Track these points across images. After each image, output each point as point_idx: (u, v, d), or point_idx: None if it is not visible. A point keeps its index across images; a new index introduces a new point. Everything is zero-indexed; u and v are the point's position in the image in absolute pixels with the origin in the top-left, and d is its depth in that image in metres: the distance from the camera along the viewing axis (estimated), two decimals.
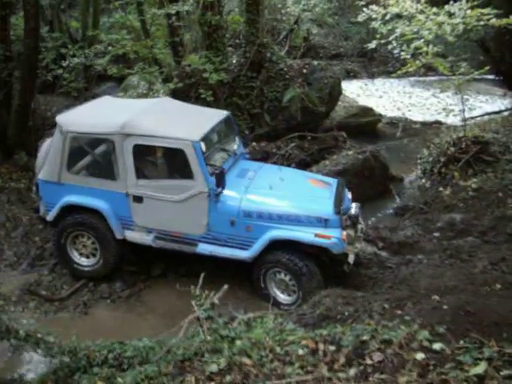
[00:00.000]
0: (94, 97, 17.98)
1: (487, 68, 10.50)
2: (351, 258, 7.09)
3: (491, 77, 16.34)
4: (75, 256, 7.85)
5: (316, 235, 6.77)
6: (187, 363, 4.45)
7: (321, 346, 4.17)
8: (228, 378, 4.01)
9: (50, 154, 7.70)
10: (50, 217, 7.79)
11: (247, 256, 7.08)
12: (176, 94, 12.34)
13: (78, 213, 7.61)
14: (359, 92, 19.03)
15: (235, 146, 8.16)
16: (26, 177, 10.81)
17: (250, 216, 7.04)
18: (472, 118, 13.25)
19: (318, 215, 6.87)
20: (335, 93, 13.32)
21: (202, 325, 4.77)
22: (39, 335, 5.05)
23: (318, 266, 6.94)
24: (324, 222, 6.82)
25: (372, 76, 22.32)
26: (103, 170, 7.60)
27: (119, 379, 4.44)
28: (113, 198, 7.44)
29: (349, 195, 7.70)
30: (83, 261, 7.86)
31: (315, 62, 13.92)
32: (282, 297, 7.14)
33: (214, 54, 12.20)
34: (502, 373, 3.31)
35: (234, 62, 13.31)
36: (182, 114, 8.27)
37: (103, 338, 5.45)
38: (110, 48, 13.07)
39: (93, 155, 7.73)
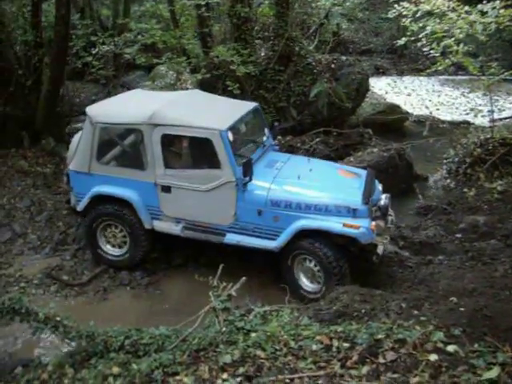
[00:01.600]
0: (123, 85, 18.25)
1: None
2: (380, 249, 7.07)
3: None
4: (104, 245, 7.95)
5: (344, 225, 6.73)
6: (202, 353, 4.50)
7: (335, 343, 4.19)
8: (241, 369, 4.04)
9: (80, 144, 7.80)
10: (80, 207, 7.89)
11: (274, 246, 7.06)
12: (203, 85, 12.41)
13: (109, 203, 7.69)
14: (387, 89, 18.87)
15: (264, 137, 8.17)
16: (53, 162, 10.93)
17: (278, 206, 7.02)
18: (501, 119, 13.07)
19: (347, 205, 6.84)
20: (363, 89, 13.24)
21: (218, 316, 4.81)
22: (58, 318, 5.12)
23: (346, 257, 6.92)
24: (353, 212, 6.79)
25: (401, 73, 22.11)
26: (132, 160, 7.71)
27: (134, 365, 4.48)
28: (141, 188, 7.50)
29: (379, 187, 7.65)
30: (112, 250, 7.95)
31: (343, 58, 13.84)
32: (308, 285, 7.10)
33: (242, 46, 12.21)
34: None
35: (262, 54, 13.32)
36: (211, 105, 8.32)
37: (121, 324, 5.52)
38: (139, 37, 13.14)
39: (122, 145, 7.82)
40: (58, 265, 8.08)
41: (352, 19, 25.28)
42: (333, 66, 13.04)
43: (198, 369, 4.25)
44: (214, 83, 12.16)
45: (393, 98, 16.83)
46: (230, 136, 7.03)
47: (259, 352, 4.22)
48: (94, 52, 12.64)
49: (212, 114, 7.76)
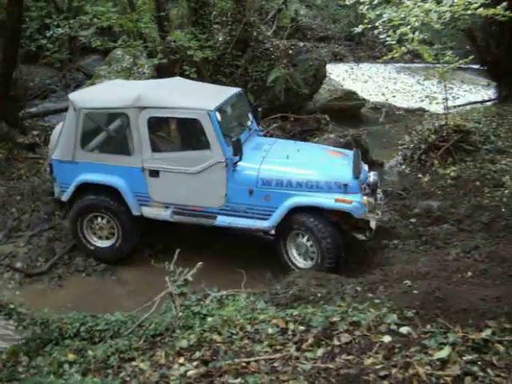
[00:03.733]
0: (78, 69, 17.97)
1: (472, 57, 10.53)
2: (373, 225, 7.10)
3: (476, 66, 16.41)
4: (91, 238, 7.76)
5: (336, 200, 6.78)
6: (158, 338, 4.51)
7: (291, 326, 4.23)
8: (197, 353, 4.06)
9: (63, 132, 7.59)
10: (65, 197, 7.67)
11: (267, 225, 7.06)
12: (160, 70, 12.28)
13: (94, 193, 7.53)
14: (345, 76, 19.05)
15: (248, 121, 8.16)
16: (6, 147, 10.70)
17: (269, 184, 7.01)
18: (455, 106, 13.34)
19: (338, 180, 6.89)
20: (320, 75, 13.32)
21: (175, 301, 4.81)
22: (12, 306, 5.05)
23: (340, 234, 6.97)
24: (344, 188, 6.85)
25: (358, 60, 22.32)
26: (118, 145, 7.52)
27: (90, 352, 4.47)
28: (128, 174, 7.35)
29: (365, 167, 7.72)
30: (100, 243, 7.76)
31: (301, 44, 13.89)
32: (301, 261, 7.11)
33: (199, 30, 12.13)
34: (464, 358, 3.37)
35: (220, 39, 13.22)
36: (195, 89, 8.28)
37: (76, 310, 5.47)
38: (95, 20, 12.90)
39: (107, 131, 7.59)
40: (11, 252, 7.93)
41: (310, 5, 25.37)
42: (290, 51, 13.08)
43: (154, 354, 4.26)
44: (172, 68, 12.04)
45: (350, 85, 16.98)
46: (218, 116, 6.98)
47: (215, 336, 4.24)
48: (48, 35, 12.38)
49: (198, 96, 7.71)
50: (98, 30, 13.21)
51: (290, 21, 20.76)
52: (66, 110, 12.32)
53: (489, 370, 3.24)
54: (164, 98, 7.34)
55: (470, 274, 5.41)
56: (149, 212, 7.48)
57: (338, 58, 22.23)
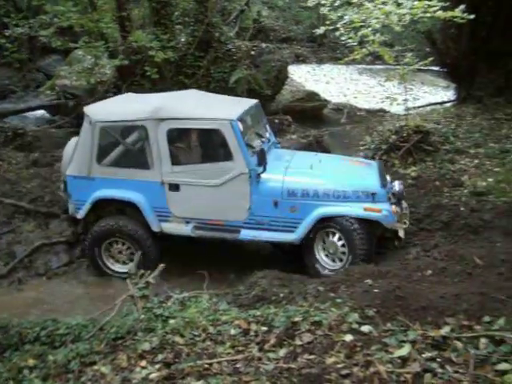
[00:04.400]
0: (39, 69, 17.70)
1: (431, 59, 10.71)
2: (401, 233, 7.02)
3: (436, 68, 16.69)
4: (111, 264, 7.45)
5: (365, 209, 6.71)
6: (120, 341, 4.46)
7: (253, 327, 4.23)
8: (160, 356, 4.02)
9: (78, 147, 7.32)
10: (81, 214, 7.39)
11: (294, 238, 6.87)
12: (122, 71, 12.19)
13: (110, 217, 7.29)
14: (307, 77, 19.18)
15: (267, 133, 8.02)
16: None
17: (295, 195, 6.83)
18: (415, 107, 13.53)
19: (366, 190, 6.81)
20: (282, 76, 13.41)
21: (137, 303, 4.77)
22: None
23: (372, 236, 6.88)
24: (372, 197, 6.78)
25: (320, 61, 22.51)
26: (136, 159, 7.23)
27: (51, 357, 4.39)
28: (147, 189, 7.09)
29: (387, 176, 7.62)
30: (120, 267, 7.43)
31: (264, 45, 14.00)
32: (328, 262, 6.96)
33: (161, 31, 12.10)
34: (424, 355, 3.42)
35: (182, 40, 13.21)
36: (212, 100, 8.13)
37: (37, 315, 5.39)
38: (55, 19, 12.73)
39: (124, 145, 7.29)
40: None
41: (273, 7, 25.46)
42: (253, 52, 13.14)
43: (116, 357, 4.21)
44: (133, 69, 11.97)
45: (312, 86, 17.09)
46: (241, 126, 6.81)
47: (178, 338, 4.21)
48: (7, 34, 12.18)
49: (217, 106, 7.54)
50: (59, 29, 13.03)
51: (252, 22, 20.81)
52: (25, 110, 12.19)
53: (448, 367, 3.29)
54: (183, 108, 7.18)
55: (429, 272, 5.49)
56: (169, 228, 7.23)
57: (300, 60, 22.37)
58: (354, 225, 6.70)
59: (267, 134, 8.01)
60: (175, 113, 7.03)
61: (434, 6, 9.37)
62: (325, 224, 6.85)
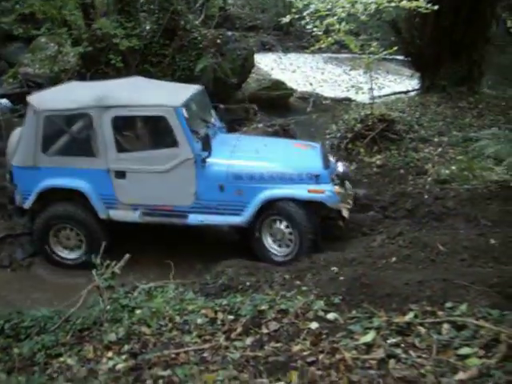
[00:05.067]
0: (0, 57, 17.33)
1: (395, 48, 10.78)
2: (346, 213, 7.12)
3: (401, 57, 16.81)
4: (59, 250, 7.39)
5: (309, 191, 6.81)
6: (86, 333, 4.44)
7: (220, 316, 4.26)
8: (126, 347, 4.02)
9: (22, 137, 7.22)
10: (27, 204, 7.27)
11: (241, 220, 6.96)
12: (85, 58, 12.03)
13: (57, 203, 7.22)
14: (273, 65, 19.16)
15: (212, 118, 8.04)
16: None
17: (241, 179, 6.92)
18: (380, 96, 13.63)
19: (309, 172, 6.91)
20: (248, 65, 13.39)
21: (102, 294, 4.73)
22: None
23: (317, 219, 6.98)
24: (315, 178, 6.88)
25: (287, 50, 22.50)
26: (81, 147, 7.16)
27: (16, 349, 4.35)
28: (93, 177, 7.05)
29: (331, 158, 7.76)
30: (69, 254, 7.41)
31: (229, 33, 13.92)
32: (277, 249, 7.04)
33: (126, 18, 11.96)
34: (388, 341, 3.47)
35: (147, 28, 13.07)
36: (157, 87, 8.10)
37: (1, 307, 5.32)
38: (17, 6, 12.48)
39: (69, 133, 7.22)
40: None
41: None
42: (218, 41, 13.07)
43: (82, 349, 4.19)
44: (97, 57, 11.81)
45: (278, 75, 17.11)
46: (185, 112, 6.83)
47: (144, 328, 4.21)
48: None
49: (162, 93, 7.54)
50: (21, 16, 12.77)
51: (218, 10, 20.64)
52: None
53: (411, 352, 3.34)
54: (128, 96, 7.14)
55: (394, 259, 5.57)
56: (116, 215, 7.22)
57: (266, 48, 22.35)
58: (298, 210, 6.83)
59: (212, 119, 8.07)
60: (120, 100, 7.02)
61: None
62: (269, 212, 6.96)
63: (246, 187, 6.93)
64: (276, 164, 7.10)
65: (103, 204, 7.18)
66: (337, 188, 7.03)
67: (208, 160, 6.92)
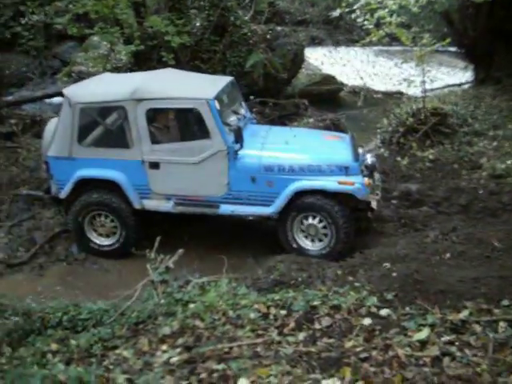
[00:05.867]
0: (55, 56, 17.75)
1: (448, 40, 10.61)
2: (374, 204, 7.16)
3: (454, 49, 16.50)
4: (94, 237, 7.62)
5: (339, 182, 6.84)
6: (141, 326, 4.52)
7: (272, 311, 4.27)
8: (180, 340, 4.07)
9: (58, 128, 7.43)
10: (63, 194, 7.53)
11: (271, 212, 7.06)
12: (138, 56, 12.21)
13: (93, 190, 7.43)
14: (323, 60, 19.00)
15: (242, 110, 8.14)
16: None
17: (271, 170, 7.00)
18: (432, 89, 13.40)
19: (339, 163, 6.94)
20: (298, 60, 13.36)
21: (157, 288, 4.83)
22: None
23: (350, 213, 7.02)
24: (345, 170, 6.90)
25: (337, 44, 22.26)
26: (116, 139, 7.36)
27: (73, 341, 4.46)
28: (128, 167, 7.25)
29: (361, 149, 7.74)
30: (103, 240, 7.62)
31: (279, 28, 13.93)
32: (310, 244, 7.09)
33: (176, 16, 12.05)
34: (442, 338, 3.44)
35: (198, 25, 13.16)
36: (189, 79, 8.20)
37: (58, 300, 5.46)
38: (70, 6, 12.75)
39: (104, 125, 7.44)
40: None
41: None
42: (268, 36, 13.09)
43: (137, 342, 4.27)
44: (149, 54, 11.98)
45: (328, 69, 16.99)
46: (217, 105, 6.94)
47: (198, 322, 4.26)
48: (23, 22, 12.23)
49: (194, 85, 7.65)
50: (74, 16, 13.04)
51: (267, 5, 20.61)
52: (43, 97, 12.20)
53: (466, 350, 3.30)
54: (161, 89, 7.27)
55: (448, 255, 5.49)
56: (150, 204, 7.39)
57: (316, 42, 22.24)
58: (332, 203, 6.85)
59: (243, 111, 8.14)
60: (153, 93, 7.15)
61: None
62: (301, 208, 6.98)
63: (277, 178, 7.00)
64: (306, 155, 7.13)
65: (137, 194, 7.35)
66: (366, 180, 6.99)
67: (240, 152, 7.00)
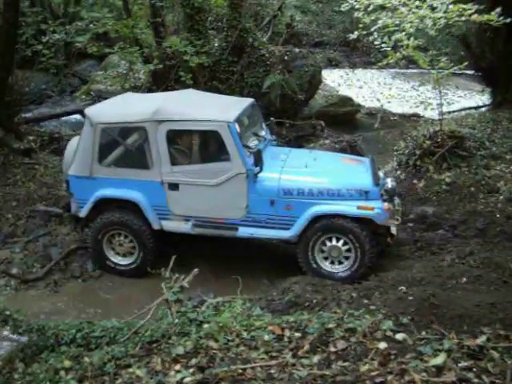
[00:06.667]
0: (74, 74, 17.97)
1: (466, 63, 10.55)
2: (394, 230, 7.14)
3: (471, 72, 16.46)
4: (112, 256, 7.65)
5: (359, 207, 6.81)
6: (154, 345, 4.50)
7: (287, 333, 4.24)
8: (194, 360, 4.04)
9: (79, 148, 7.50)
10: (83, 213, 7.58)
11: (290, 235, 7.04)
12: (156, 76, 12.33)
13: (112, 210, 7.47)
14: (340, 81, 19.08)
15: (263, 131, 8.15)
16: (1, 153, 10.65)
17: (290, 194, 6.99)
18: (449, 112, 13.38)
19: (359, 188, 6.92)
20: (315, 81, 13.40)
21: (171, 307, 4.81)
22: (8, 312, 5.05)
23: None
24: (365, 195, 6.88)
25: (354, 66, 22.37)
26: (136, 159, 7.43)
27: (86, 359, 4.45)
28: (147, 188, 7.29)
29: (380, 172, 7.73)
30: (121, 260, 7.66)
31: (297, 50, 14.00)
32: (331, 266, 7.04)
33: (195, 36, 12.20)
34: (460, 364, 3.38)
35: (216, 45, 13.30)
36: (210, 101, 8.23)
37: (73, 317, 5.47)
38: (91, 26, 12.94)
39: (124, 145, 7.50)
40: (7, 258, 7.90)
41: (305, 11, 25.44)
42: (286, 57, 13.15)
43: (150, 361, 4.24)
44: (167, 74, 12.10)
45: (345, 91, 17.02)
46: (238, 127, 6.97)
47: (212, 343, 4.23)
48: (44, 40, 12.40)
49: (215, 107, 7.65)
50: (94, 35, 13.23)
51: (285, 27, 20.79)
52: (61, 115, 12.31)
53: (484, 377, 3.25)
54: (182, 110, 7.31)
55: (464, 279, 5.45)
56: (169, 225, 7.41)
57: (333, 64, 22.30)
58: (358, 227, 6.81)
59: (263, 133, 8.13)
60: (174, 114, 7.19)
61: (469, 10, 9.25)
62: (325, 230, 6.94)
63: (296, 202, 6.99)
64: (325, 179, 7.12)
65: (156, 215, 7.37)
66: (386, 205, 6.95)
67: (259, 175, 7.00)
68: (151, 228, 7.40)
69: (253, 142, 7.53)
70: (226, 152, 6.98)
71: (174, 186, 7.22)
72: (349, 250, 6.93)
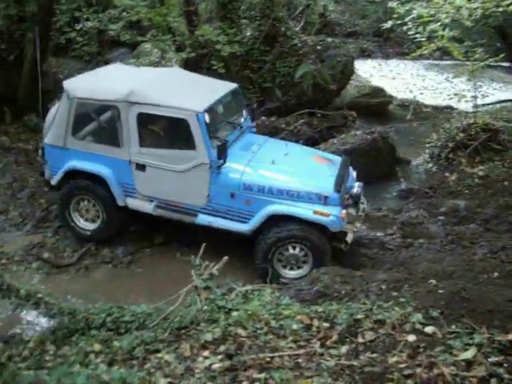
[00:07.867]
0: (107, 62, 18.04)
1: (502, 55, 10.42)
2: (349, 237, 7.09)
3: (507, 64, 16.20)
4: (78, 220, 7.96)
5: (315, 212, 6.76)
6: (183, 331, 4.54)
7: (315, 322, 4.25)
8: (222, 347, 4.08)
9: (56, 118, 7.76)
10: (54, 181, 7.89)
11: (246, 229, 7.10)
12: (188, 64, 12.33)
13: (83, 178, 7.69)
14: (372, 72, 18.88)
15: (241, 119, 8.15)
16: (35, 138, 10.81)
17: (251, 190, 7.04)
18: (484, 105, 13.17)
19: (318, 192, 6.86)
20: (347, 71, 13.26)
21: (200, 294, 4.84)
22: (40, 295, 5.14)
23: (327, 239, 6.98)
24: (324, 200, 6.82)
25: (387, 56, 22.12)
26: (108, 136, 7.62)
27: (116, 343, 4.52)
28: (116, 165, 7.50)
29: (353, 174, 7.70)
30: (85, 225, 7.97)
31: (329, 39, 13.85)
32: (288, 272, 7.05)
33: (228, 25, 12.16)
34: (490, 359, 3.36)
35: (248, 34, 13.23)
36: (190, 85, 8.25)
37: (103, 301, 5.54)
38: (124, 13, 12.98)
39: (98, 121, 7.71)
40: (39, 242, 8.02)
41: (338, 1, 25.18)
42: (318, 47, 13.05)
43: (179, 346, 4.29)
44: (199, 62, 12.09)
45: (377, 82, 16.81)
46: (207, 118, 7.01)
47: (240, 330, 4.26)
48: (77, 28, 12.50)
49: (190, 94, 7.71)
50: (127, 23, 13.27)
51: (318, 16, 20.63)
52: None
53: None
54: (155, 94, 7.37)
55: (496, 274, 5.39)
56: (133, 203, 7.65)
57: (365, 54, 22.05)
58: (315, 233, 6.80)
59: (242, 120, 8.13)
60: (146, 98, 7.28)
61: (506, 0, 9.09)
62: (285, 239, 6.90)
63: (255, 198, 7.03)
64: (288, 179, 7.10)
65: (122, 191, 7.58)
66: (344, 212, 6.87)
67: (224, 166, 7.07)
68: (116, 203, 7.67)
69: (225, 132, 7.60)
70: (192, 141, 7.05)
71: (141, 167, 7.41)
72: (305, 256, 6.94)
